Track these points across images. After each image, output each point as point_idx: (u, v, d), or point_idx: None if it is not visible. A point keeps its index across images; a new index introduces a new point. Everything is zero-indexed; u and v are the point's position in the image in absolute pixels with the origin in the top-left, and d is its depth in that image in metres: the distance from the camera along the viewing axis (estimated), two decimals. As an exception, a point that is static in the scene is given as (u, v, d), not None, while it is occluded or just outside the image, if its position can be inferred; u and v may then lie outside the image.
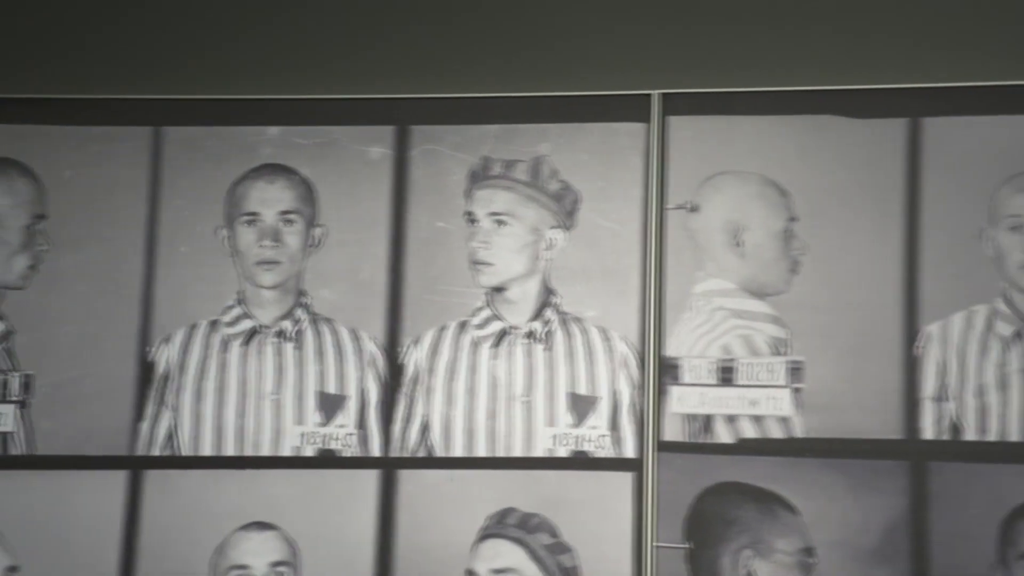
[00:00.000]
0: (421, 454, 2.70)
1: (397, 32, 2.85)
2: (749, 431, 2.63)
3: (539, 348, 2.71)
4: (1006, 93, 2.62)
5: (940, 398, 2.58)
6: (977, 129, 2.63)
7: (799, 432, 2.61)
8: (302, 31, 2.87)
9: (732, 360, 2.65)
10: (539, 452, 2.67)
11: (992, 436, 2.56)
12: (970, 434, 2.56)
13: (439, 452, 2.69)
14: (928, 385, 2.59)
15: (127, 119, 2.83)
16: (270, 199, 2.79)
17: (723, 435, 2.63)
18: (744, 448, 2.62)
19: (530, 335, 2.72)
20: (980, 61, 2.65)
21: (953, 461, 2.55)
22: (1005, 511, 2.51)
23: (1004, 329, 2.58)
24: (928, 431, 2.58)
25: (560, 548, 2.63)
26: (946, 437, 2.57)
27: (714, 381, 2.65)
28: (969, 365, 2.59)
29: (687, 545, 2.59)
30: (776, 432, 2.62)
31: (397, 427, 2.71)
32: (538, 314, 2.73)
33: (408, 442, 2.70)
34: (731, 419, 2.63)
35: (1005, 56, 2.65)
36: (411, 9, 2.86)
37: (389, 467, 2.69)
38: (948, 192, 2.62)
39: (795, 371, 2.63)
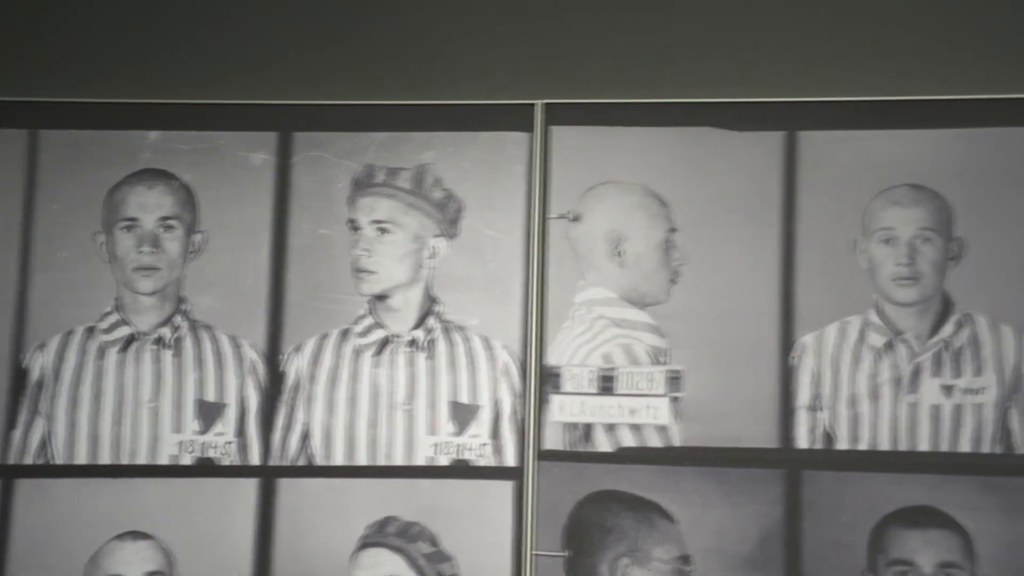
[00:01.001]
0: (301, 463, 2.68)
1: (281, 38, 2.84)
2: (628, 440, 2.65)
3: (421, 356, 2.71)
4: (879, 108, 2.67)
5: (814, 407, 2.63)
6: (851, 143, 2.67)
7: (677, 441, 2.64)
8: (184, 35, 2.85)
9: (612, 369, 2.67)
10: (420, 461, 2.67)
11: (863, 445, 2.60)
12: (842, 443, 2.61)
13: (319, 461, 2.68)
14: (803, 395, 2.63)
15: (2, 122, 2.78)
16: (149, 205, 2.76)
17: (603, 444, 2.65)
18: (623, 457, 2.64)
19: (412, 343, 2.72)
20: (854, 77, 2.70)
21: (826, 470, 2.59)
22: (875, 519, 2.56)
23: (876, 340, 2.63)
24: (802, 440, 2.62)
25: (440, 557, 2.63)
26: (819, 446, 2.61)
27: (594, 390, 2.67)
28: (842, 375, 2.63)
29: (565, 553, 2.61)
30: (655, 441, 2.64)
31: (277, 435, 2.69)
32: (421, 322, 2.72)
33: (288, 451, 2.69)
34: (611, 428, 2.65)
35: (878, 72, 2.70)
36: (295, 15, 2.85)
37: (268, 476, 2.67)
38: (823, 204, 2.67)
39: (674, 380, 2.65)
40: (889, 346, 2.63)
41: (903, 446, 2.59)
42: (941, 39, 2.70)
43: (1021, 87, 2.64)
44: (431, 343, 2.71)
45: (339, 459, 2.68)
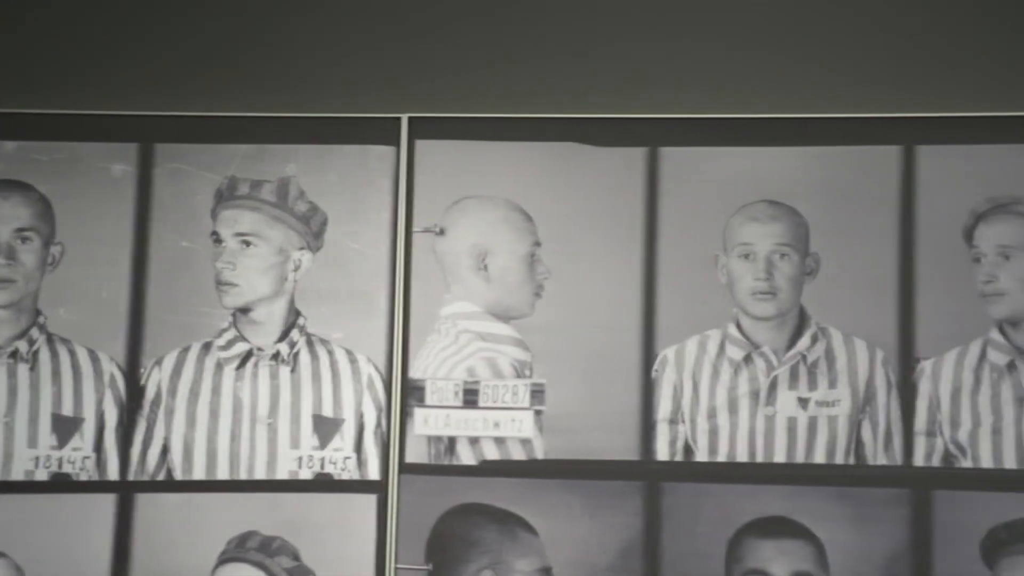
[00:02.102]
0: (160, 477, 2.65)
1: (142, 48, 2.80)
2: (492, 453, 2.66)
3: (285, 370, 2.69)
4: (738, 125, 2.71)
5: (674, 420, 2.66)
6: (711, 159, 2.72)
7: (540, 454, 2.65)
8: (43, 43, 2.80)
9: (476, 382, 2.68)
10: (282, 475, 2.65)
11: (721, 457, 2.64)
12: (701, 455, 2.65)
13: (179, 475, 2.65)
14: (663, 407, 2.66)
15: None
16: (5, 216, 2.70)
17: (466, 457, 2.66)
18: (486, 470, 2.65)
19: (276, 357, 2.70)
20: (714, 95, 2.74)
21: (685, 481, 2.63)
22: (733, 529, 2.60)
23: (735, 353, 2.67)
24: (662, 452, 2.65)
25: (302, 571, 2.61)
26: (679, 458, 2.65)
27: (458, 403, 2.67)
28: (702, 388, 2.67)
29: (428, 566, 2.61)
30: (518, 454, 2.66)
31: (136, 450, 2.66)
32: (284, 335, 2.71)
33: (147, 465, 2.65)
34: (474, 441, 2.66)
35: (737, 90, 2.74)
36: (157, 25, 2.81)
37: (126, 491, 2.64)
38: (684, 220, 2.71)
39: (537, 393, 2.67)
40: (747, 359, 2.67)
41: (760, 458, 2.63)
42: (797, 60, 2.76)
43: (873, 107, 2.70)
44: (294, 356, 2.70)
45: (199, 473, 2.65)
